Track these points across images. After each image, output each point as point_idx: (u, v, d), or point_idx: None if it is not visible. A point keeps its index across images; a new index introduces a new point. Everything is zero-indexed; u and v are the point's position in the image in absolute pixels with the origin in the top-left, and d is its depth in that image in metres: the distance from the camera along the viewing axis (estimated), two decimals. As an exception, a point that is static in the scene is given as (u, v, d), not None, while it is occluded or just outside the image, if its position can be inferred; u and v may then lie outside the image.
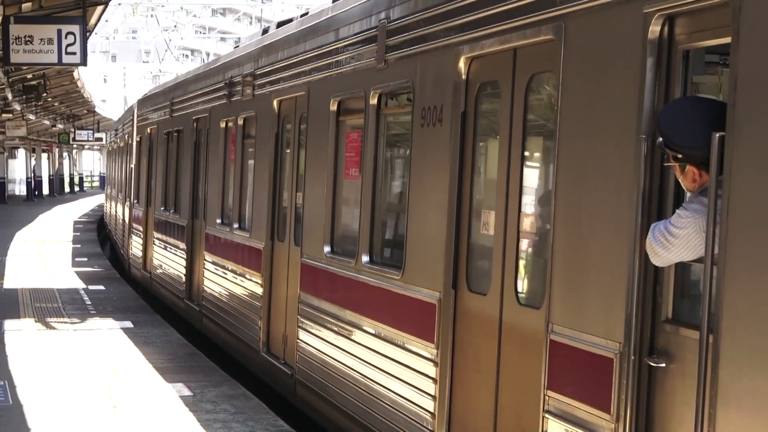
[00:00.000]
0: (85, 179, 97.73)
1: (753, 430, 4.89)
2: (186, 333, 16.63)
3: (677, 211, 5.60)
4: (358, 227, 10.16)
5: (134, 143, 26.57)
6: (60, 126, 56.54)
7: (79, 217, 48.50)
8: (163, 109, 21.67)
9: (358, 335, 10.05)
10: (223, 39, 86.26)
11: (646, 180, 5.87)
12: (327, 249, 10.97)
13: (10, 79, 29.45)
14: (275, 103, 13.12)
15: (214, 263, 15.72)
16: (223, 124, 15.79)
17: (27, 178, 68.72)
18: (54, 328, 16.73)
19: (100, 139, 61.45)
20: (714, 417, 5.12)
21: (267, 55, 13.76)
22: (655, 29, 5.89)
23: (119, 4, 51.97)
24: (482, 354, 7.80)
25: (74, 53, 17.47)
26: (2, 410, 11.45)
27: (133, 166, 26.76)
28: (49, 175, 76.58)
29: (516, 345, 7.35)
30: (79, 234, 37.85)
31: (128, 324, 17.32)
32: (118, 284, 23.16)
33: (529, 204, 7.46)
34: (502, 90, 7.71)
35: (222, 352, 15.26)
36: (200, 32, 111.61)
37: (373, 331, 9.66)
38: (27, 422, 10.94)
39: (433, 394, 8.42)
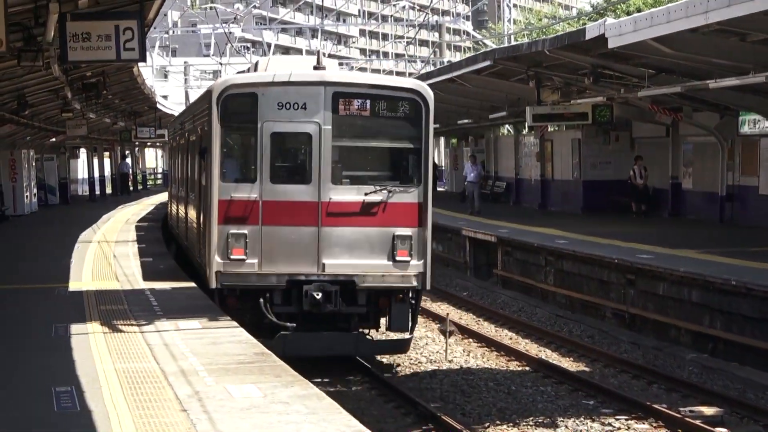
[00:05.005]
0: (148, 177, 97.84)
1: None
2: None
3: None
4: None
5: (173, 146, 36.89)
6: (121, 123, 56.42)
7: (143, 216, 48.50)
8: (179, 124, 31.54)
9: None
10: (284, 30, 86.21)
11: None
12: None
13: (70, 78, 29.32)
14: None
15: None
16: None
17: (89, 178, 68.67)
18: (121, 331, 16.48)
19: (162, 136, 61.21)
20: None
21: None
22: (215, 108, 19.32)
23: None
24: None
25: (132, 49, 17.30)
26: (70, 416, 11.28)
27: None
28: (112, 174, 76.58)
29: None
30: (143, 233, 37.74)
31: (196, 324, 17.03)
32: (185, 283, 22.90)
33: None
34: None
35: None
36: (261, 23, 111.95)
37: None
38: (96, 428, 10.73)
39: None
